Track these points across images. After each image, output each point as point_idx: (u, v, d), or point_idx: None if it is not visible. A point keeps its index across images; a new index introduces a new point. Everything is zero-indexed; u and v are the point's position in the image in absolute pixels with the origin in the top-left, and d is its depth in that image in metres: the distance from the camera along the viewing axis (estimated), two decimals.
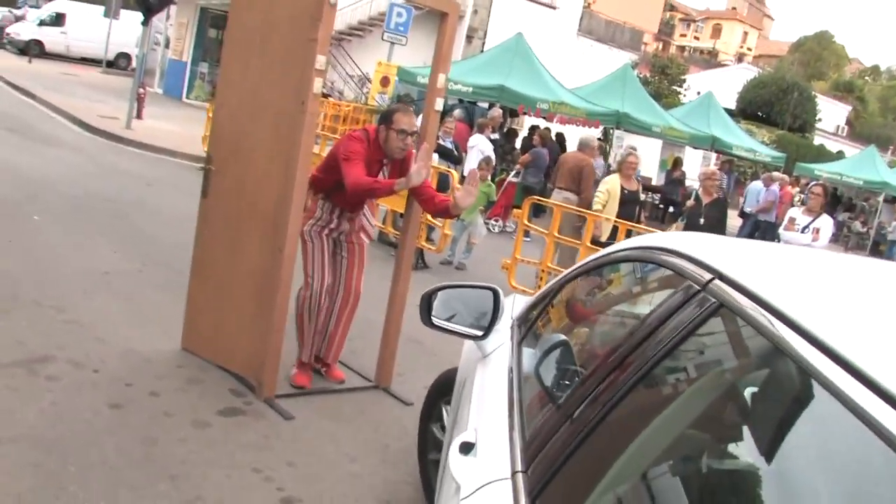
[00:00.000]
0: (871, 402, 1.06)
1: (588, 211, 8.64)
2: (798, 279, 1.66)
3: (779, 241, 10.80)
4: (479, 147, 12.59)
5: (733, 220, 15.84)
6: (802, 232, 9.09)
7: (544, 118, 16.31)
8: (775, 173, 18.82)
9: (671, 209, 18.97)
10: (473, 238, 9.82)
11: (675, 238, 2.13)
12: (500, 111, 15.19)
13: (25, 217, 7.85)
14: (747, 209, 18.19)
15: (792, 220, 9.38)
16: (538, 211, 12.88)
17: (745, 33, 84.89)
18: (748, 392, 1.48)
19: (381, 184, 4.61)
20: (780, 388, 1.37)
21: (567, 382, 2.08)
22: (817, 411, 1.22)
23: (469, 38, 23.52)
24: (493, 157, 11.96)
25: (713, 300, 1.58)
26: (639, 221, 8.98)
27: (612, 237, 8.14)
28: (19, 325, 5.09)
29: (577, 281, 2.85)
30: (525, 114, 16.04)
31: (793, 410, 1.31)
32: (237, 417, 4.44)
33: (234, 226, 4.83)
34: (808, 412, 1.25)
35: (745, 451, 1.40)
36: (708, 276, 1.67)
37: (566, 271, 2.94)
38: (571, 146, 14.41)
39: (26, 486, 3.37)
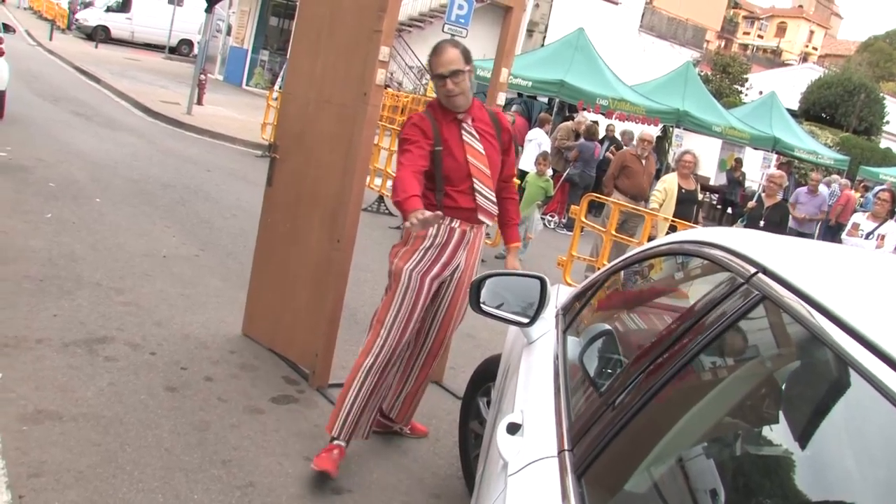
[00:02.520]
0: None
1: (645, 209, 8.54)
2: (840, 275, 1.72)
3: None
4: (538, 141, 12.53)
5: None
6: (866, 238, 8.88)
7: (604, 114, 16.17)
8: (834, 175, 18.45)
9: (729, 210, 18.67)
10: (530, 233, 9.76)
11: (719, 233, 2.20)
12: (588, 119, 14.99)
13: (89, 199, 8.02)
14: None
15: (856, 226, 9.16)
16: (591, 205, 12.76)
17: (812, 32, 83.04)
18: (788, 382, 1.54)
19: (407, 199, 3.36)
20: (820, 379, 1.43)
21: (610, 370, 2.18)
22: (856, 403, 1.27)
23: (530, 31, 23.42)
24: (549, 151, 11.89)
25: (756, 293, 1.64)
26: (696, 221, 8.86)
27: None
28: (81, 305, 5.20)
29: (621, 273, 2.94)
30: (584, 109, 15.91)
31: (832, 401, 1.37)
32: (290, 405, 4.47)
33: (296, 215, 4.86)
34: (847, 403, 1.31)
35: (783, 438, 1.45)
36: (752, 269, 1.73)
37: (611, 263, 3.01)
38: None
39: (86, 464, 3.44)
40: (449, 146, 3.68)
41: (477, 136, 3.75)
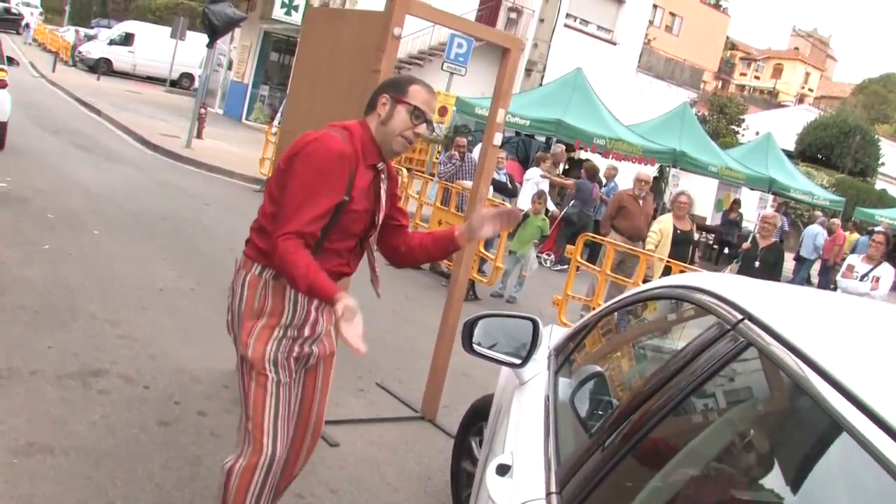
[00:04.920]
0: (887, 445, 1.13)
1: (640, 250, 8.57)
2: (824, 323, 1.75)
3: (835, 288, 10.59)
4: (535, 181, 12.60)
5: (788, 263, 15.60)
6: (861, 280, 8.90)
7: (601, 154, 16.28)
8: (834, 219, 18.57)
9: (726, 250, 18.72)
10: (525, 271, 9.79)
11: (708, 278, 2.23)
12: (563, 147, 15.23)
13: (86, 230, 8.04)
14: (802, 253, 17.93)
15: (850, 268, 9.18)
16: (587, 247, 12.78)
17: (808, 74, 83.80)
18: (772, 429, 1.58)
19: (320, 282, 2.52)
20: (802, 428, 1.45)
21: (600, 412, 2.21)
22: (837, 451, 1.30)
23: (528, 71, 23.64)
24: (546, 191, 11.97)
25: (742, 339, 1.67)
26: (692, 262, 8.88)
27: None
28: (76, 337, 5.20)
29: (613, 316, 2.96)
30: (581, 149, 16.01)
31: (813, 449, 1.40)
32: None
33: None
34: (828, 452, 1.34)
35: (767, 483, 1.47)
36: (738, 316, 1.76)
37: (602, 306, 3.04)
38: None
39: (75, 499, 3.42)
40: (356, 196, 2.81)
41: (387, 185, 2.97)
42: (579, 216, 13.37)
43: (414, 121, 2.84)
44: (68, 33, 38.54)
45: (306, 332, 2.89)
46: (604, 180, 14.79)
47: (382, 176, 2.92)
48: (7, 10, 45.49)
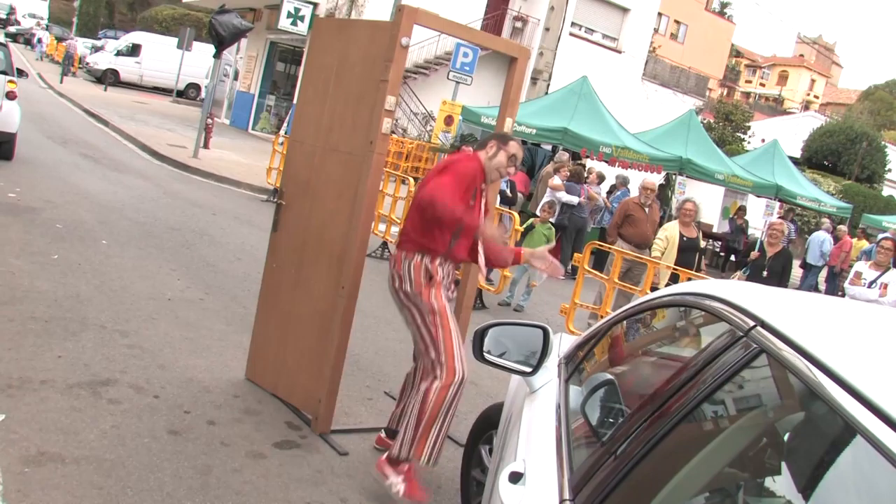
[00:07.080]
0: None
1: (647, 258, 8.57)
2: (837, 329, 1.75)
3: (843, 295, 10.57)
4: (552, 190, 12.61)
5: (795, 271, 15.57)
6: (869, 287, 8.88)
7: (607, 162, 16.27)
8: (841, 226, 18.51)
9: (733, 257, 18.68)
10: (533, 280, 9.80)
11: (719, 285, 2.23)
12: (568, 155, 15.22)
13: (95, 241, 8.07)
14: (809, 260, 17.89)
15: (858, 275, 9.16)
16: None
17: (813, 81, 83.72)
18: (786, 434, 1.57)
19: (471, 217, 4.02)
20: (816, 433, 1.46)
21: (612, 419, 2.21)
22: (851, 457, 1.30)
23: (534, 79, 23.66)
24: (555, 200, 11.97)
25: (755, 346, 1.67)
26: (699, 269, 8.87)
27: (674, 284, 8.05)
28: (86, 347, 5.22)
29: (623, 323, 2.96)
30: (588, 157, 16.00)
31: (828, 455, 1.39)
32: (292, 450, 4.47)
33: (301, 260, 4.90)
34: (844, 457, 1.33)
35: (780, 489, 1.48)
36: (751, 322, 1.76)
37: (613, 314, 3.04)
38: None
39: None
40: (476, 206, 4.19)
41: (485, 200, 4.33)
42: (570, 220, 13.30)
43: (509, 164, 4.23)
44: (71, 44, 38.74)
45: (448, 282, 4.24)
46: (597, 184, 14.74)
47: (483, 193, 4.24)
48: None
